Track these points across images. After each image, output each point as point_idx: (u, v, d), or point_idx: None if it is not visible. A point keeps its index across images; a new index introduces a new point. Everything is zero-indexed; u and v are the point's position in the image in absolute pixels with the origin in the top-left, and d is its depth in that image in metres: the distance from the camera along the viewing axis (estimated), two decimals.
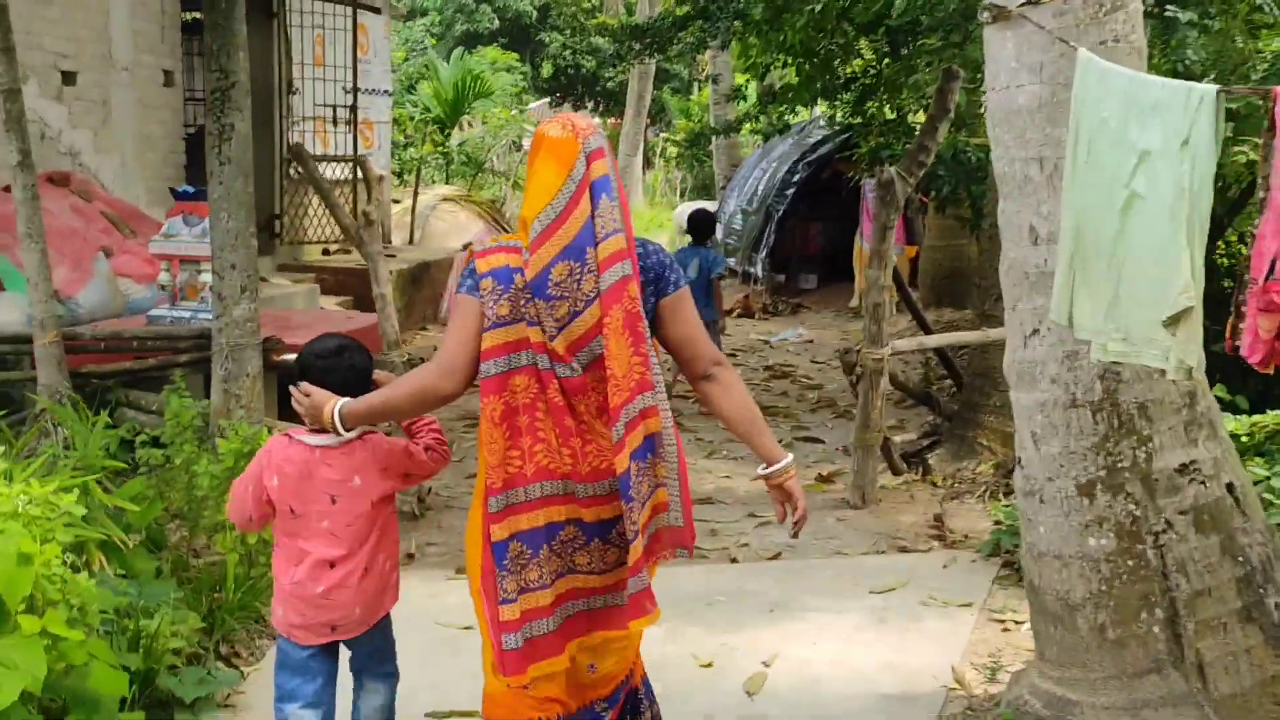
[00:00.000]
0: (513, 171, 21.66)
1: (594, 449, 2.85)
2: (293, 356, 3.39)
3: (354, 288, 11.54)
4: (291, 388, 3.14)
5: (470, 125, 21.29)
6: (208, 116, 5.98)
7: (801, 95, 13.51)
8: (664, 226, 30.46)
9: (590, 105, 40.15)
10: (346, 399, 3.01)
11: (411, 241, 14.91)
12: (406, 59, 20.13)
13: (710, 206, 22.89)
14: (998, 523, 6.42)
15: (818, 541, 6.12)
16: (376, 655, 3.31)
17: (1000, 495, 6.84)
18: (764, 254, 17.30)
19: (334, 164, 11.91)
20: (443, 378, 2.86)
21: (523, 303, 2.81)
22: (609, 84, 37.56)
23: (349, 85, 11.98)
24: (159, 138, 9.56)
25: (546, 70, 39.12)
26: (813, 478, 7.35)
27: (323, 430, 3.07)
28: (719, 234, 20.51)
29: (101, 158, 8.99)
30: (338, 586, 3.09)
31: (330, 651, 3.23)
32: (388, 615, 3.29)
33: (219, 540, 4.92)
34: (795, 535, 3.09)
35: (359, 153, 12.05)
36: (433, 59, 19.32)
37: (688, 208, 23.24)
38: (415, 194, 15.11)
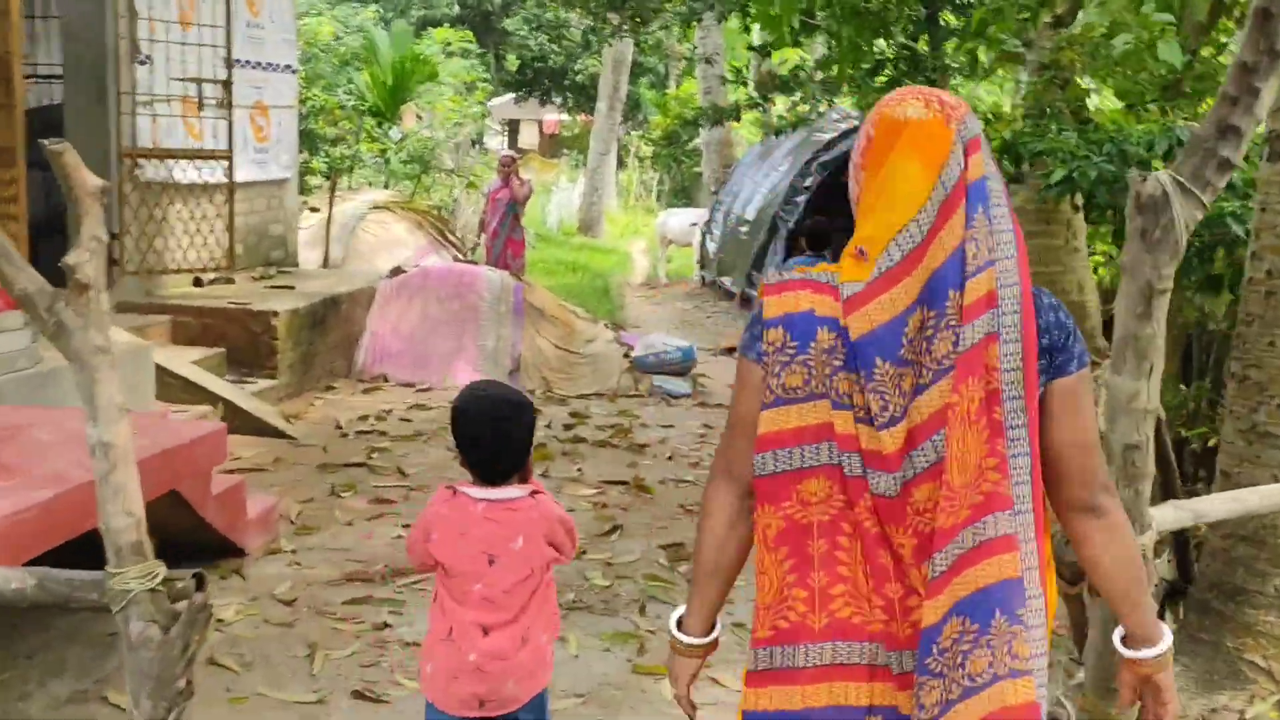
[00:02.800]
0: (468, 173, 18.19)
1: (919, 601, 1.82)
2: None
3: (230, 335, 8.09)
4: None
5: (420, 117, 17.77)
6: None
7: (843, 70, 10.23)
8: (640, 233, 27.15)
9: (558, 101, 36.82)
10: (677, 613, 2.09)
11: (326, 263, 11.41)
12: (339, 37, 16.59)
13: (694, 214, 19.54)
14: None
15: None
16: None
17: None
18: None
19: (193, 163, 8.43)
20: (724, 479, 1.97)
21: (828, 371, 1.83)
22: (579, 77, 34.14)
23: (229, 54, 8.52)
24: None
25: (511, 63, 35.65)
26: None
27: (489, 483, 2.75)
28: (709, 247, 17.20)
29: None
30: (492, 656, 2.73)
31: None
32: (544, 696, 2.87)
33: None
34: None
35: (233, 146, 8.56)
36: (370, 34, 15.81)
37: (673, 215, 19.88)
38: (331, 201, 11.60)
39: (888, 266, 1.79)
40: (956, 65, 13.16)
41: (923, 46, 12.91)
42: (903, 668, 1.83)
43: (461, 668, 2.74)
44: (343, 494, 6.23)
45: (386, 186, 15.83)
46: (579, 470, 6.96)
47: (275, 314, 8.06)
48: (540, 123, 43.47)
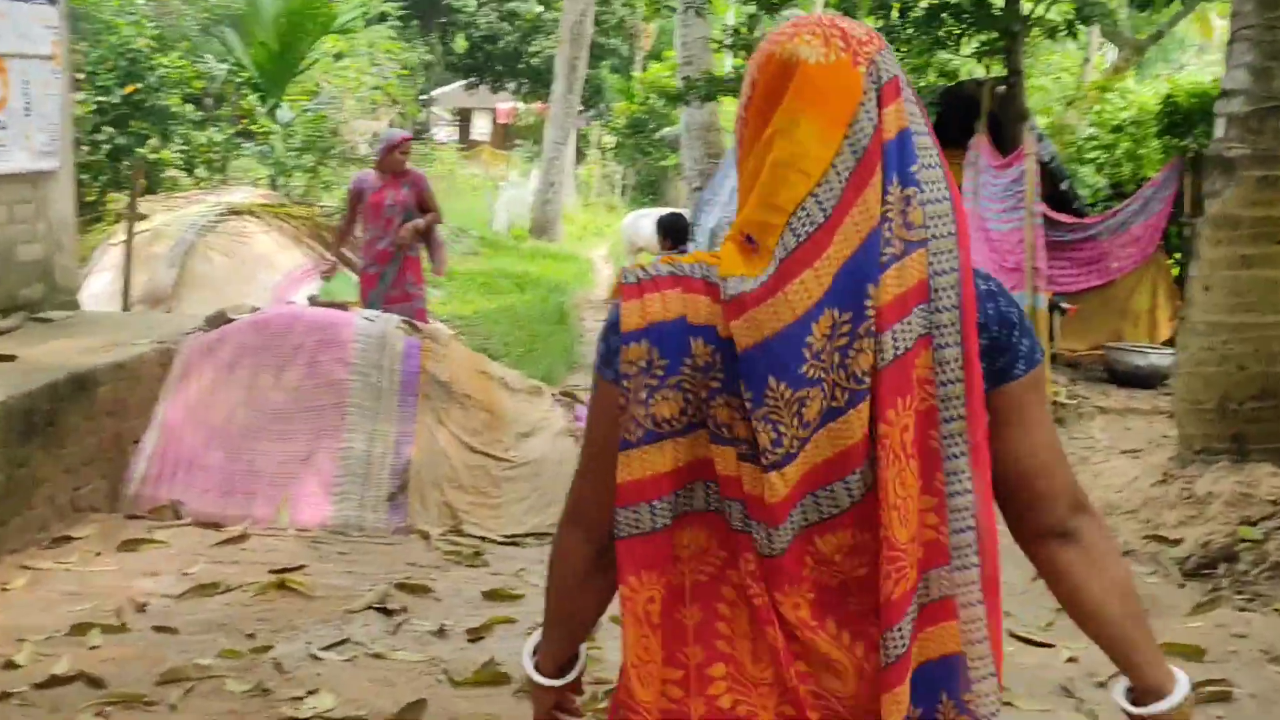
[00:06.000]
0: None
1: (819, 686, 1.39)
2: None
3: None
4: None
5: (316, 90, 13.75)
6: None
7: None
8: (604, 235, 23.30)
9: (512, 87, 32.90)
10: (532, 642, 1.67)
11: (127, 303, 7.47)
12: None
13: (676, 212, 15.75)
14: None
15: None
16: None
17: None
18: None
19: None
20: (573, 529, 1.55)
21: (704, 395, 1.38)
22: (534, 60, 30.20)
23: None
24: None
25: (460, 45, 31.70)
26: None
27: None
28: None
29: None
30: None
31: None
32: None
33: None
34: None
35: None
36: None
37: (643, 215, 16.03)
38: (133, 203, 7.60)
39: (782, 257, 1.34)
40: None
41: None
42: None
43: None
44: None
45: (274, 184, 11.92)
46: None
47: None
48: (494, 111, 39.48)
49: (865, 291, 1.33)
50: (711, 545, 1.41)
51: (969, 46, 9.32)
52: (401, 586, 4.58)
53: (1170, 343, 9.57)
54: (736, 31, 10.56)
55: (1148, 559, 5.28)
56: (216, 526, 5.16)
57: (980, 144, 8.69)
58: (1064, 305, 8.88)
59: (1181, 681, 1.48)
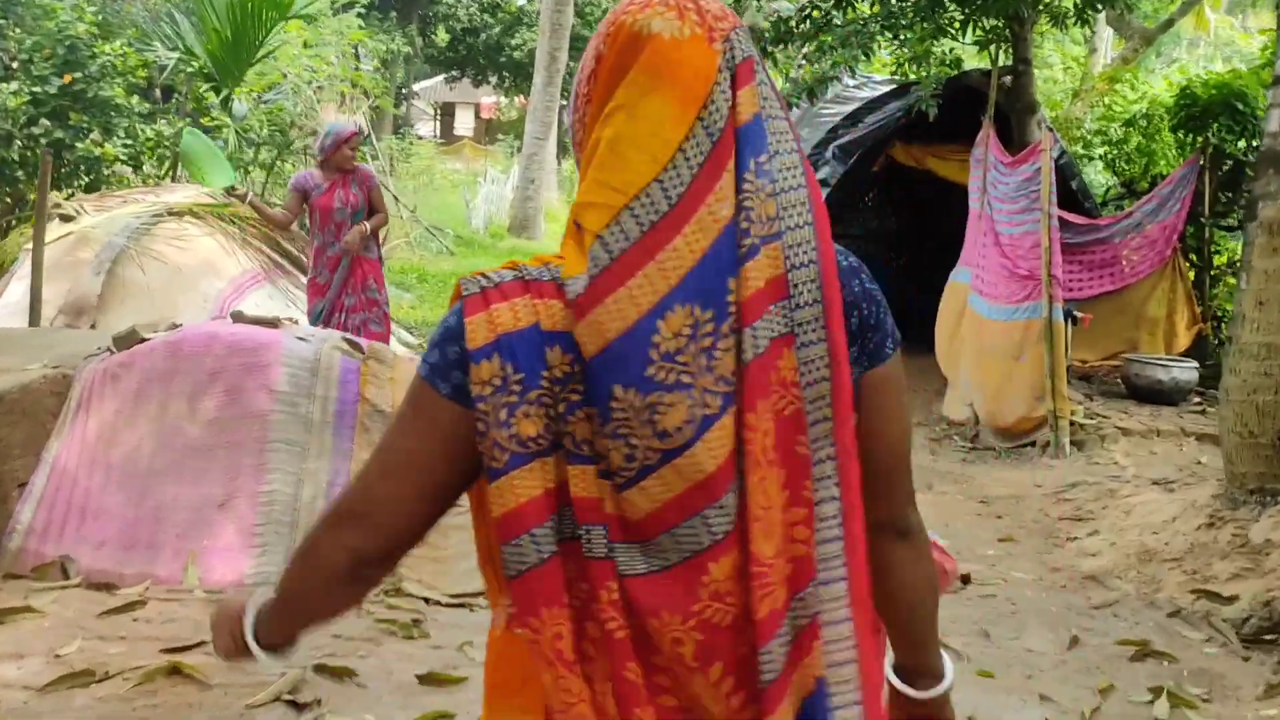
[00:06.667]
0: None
1: None
2: None
3: None
4: None
5: (283, 77, 12.90)
6: None
7: None
8: None
9: (494, 81, 32.08)
10: (255, 601, 1.49)
11: (36, 316, 6.62)
12: None
13: None
14: None
15: None
16: None
17: None
18: None
19: None
20: (346, 532, 1.35)
21: (563, 408, 1.25)
22: (515, 53, 29.38)
23: None
24: None
25: (441, 38, 30.85)
26: None
27: None
28: None
29: None
30: None
31: None
32: None
33: None
34: None
35: None
36: None
37: None
38: (41, 203, 6.72)
39: (621, 248, 1.21)
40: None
41: None
42: None
43: None
44: None
45: (232, 187, 11.08)
46: None
47: None
48: (477, 106, 38.64)
49: (726, 286, 1.23)
50: (575, 575, 1.28)
51: (973, 34, 8.53)
52: (320, 669, 3.79)
53: (1189, 353, 8.83)
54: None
55: (1199, 620, 4.52)
56: (111, 588, 4.36)
57: (988, 139, 7.93)
58: (1077, 314, 8.12)
59: (950, 667, 1.51)
